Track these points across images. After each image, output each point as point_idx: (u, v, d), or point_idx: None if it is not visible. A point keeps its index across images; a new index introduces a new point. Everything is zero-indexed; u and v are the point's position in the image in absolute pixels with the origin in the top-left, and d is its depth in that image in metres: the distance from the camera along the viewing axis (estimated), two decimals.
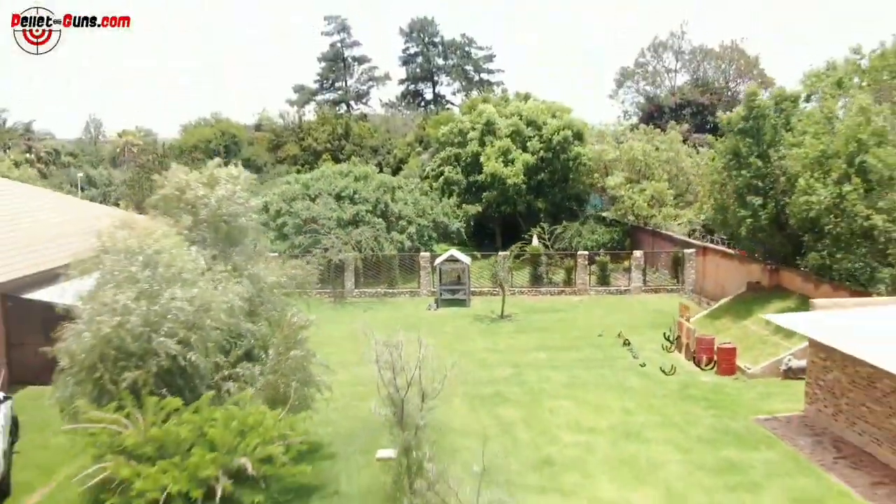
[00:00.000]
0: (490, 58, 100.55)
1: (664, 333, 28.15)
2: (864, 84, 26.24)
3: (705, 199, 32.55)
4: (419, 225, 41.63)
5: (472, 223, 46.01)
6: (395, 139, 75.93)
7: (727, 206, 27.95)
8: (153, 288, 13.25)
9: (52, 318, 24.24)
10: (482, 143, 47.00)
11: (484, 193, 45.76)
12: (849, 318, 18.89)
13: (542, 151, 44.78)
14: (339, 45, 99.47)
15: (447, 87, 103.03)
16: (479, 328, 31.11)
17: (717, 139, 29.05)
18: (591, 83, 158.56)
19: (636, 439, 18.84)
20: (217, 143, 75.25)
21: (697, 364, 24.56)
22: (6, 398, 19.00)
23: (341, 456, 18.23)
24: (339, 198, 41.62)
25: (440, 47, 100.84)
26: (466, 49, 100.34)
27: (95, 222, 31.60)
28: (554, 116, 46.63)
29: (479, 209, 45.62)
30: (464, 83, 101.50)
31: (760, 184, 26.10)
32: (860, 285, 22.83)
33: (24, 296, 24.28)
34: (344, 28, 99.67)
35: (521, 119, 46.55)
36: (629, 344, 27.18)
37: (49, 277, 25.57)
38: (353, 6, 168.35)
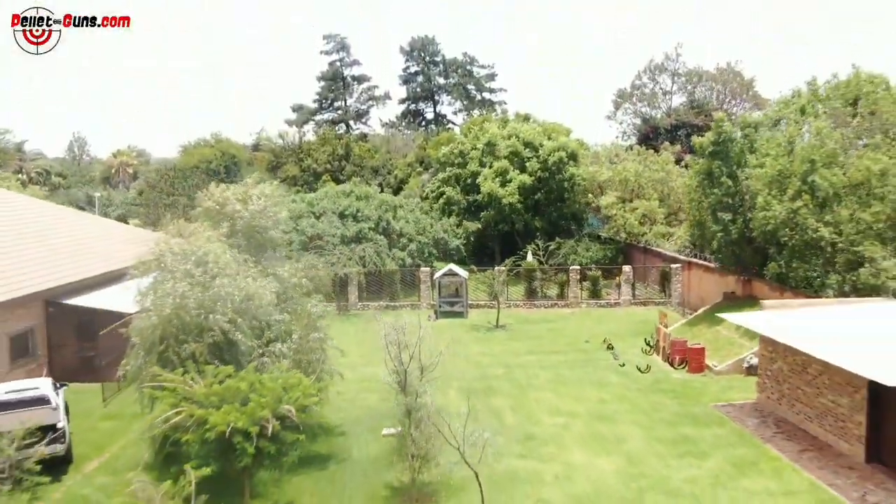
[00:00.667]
0: (492, 76, 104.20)
1: (645, 339, 32.39)
2: (822, 111, 30.71)
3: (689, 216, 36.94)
4: (419, 242, 46.03)
5: (472, 241, 50.49)
6: (395, 160, 79.66)
7: (704, 221, 32.36)
8: (205, 280, 17.49)
9: (85, 323, 28.95)
10: (481, 164, 51.63)
11: (482, 213, 50.36)
12: (792, 317, 23.08)
13: (538, 172, 49.32)
14: (338, 64, 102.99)
15: (448, 107, 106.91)
16: (475, 336, 35.33)
17: (694, 161, 33.56)
18: (593, 102, 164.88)
19: (607, 421, 22.99)
20: (218, 164, 79.85)
21: (671, 363, 28.75)
22: (62, 385, 23.24)
23: (351, 434, 22.45)
24: (342, 216, 46.05)
25: (441, 66, 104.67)
26: (468, 68, 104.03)
27: (119, 236, 36.02)
28: (549, 138, 51.24)
29: (479, 227, 50.12)
30: (465, 102, 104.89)
31: (730, 201, 30.52)
32: (814, 291, 27.06)
33: (64, 301, 28.66)
34: (343, 47, 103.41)
35: (518, 140, 51.20)
36: (612, 348, 31.40)
37: (84, 286, 30.02)
38: (352, 25, 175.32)
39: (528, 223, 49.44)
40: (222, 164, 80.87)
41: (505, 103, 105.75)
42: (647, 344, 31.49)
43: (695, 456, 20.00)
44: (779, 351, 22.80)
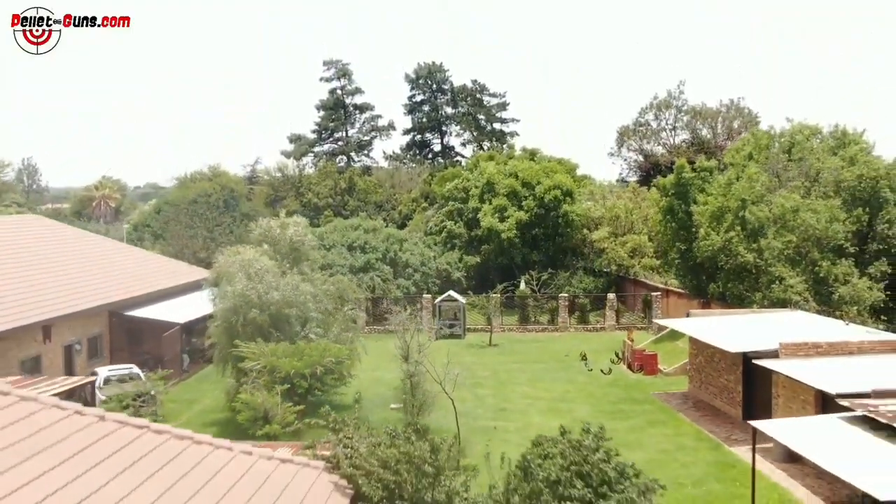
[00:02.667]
0: (503, 106, 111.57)
1: (615, 352, 44.31)
2: (764, 158, 42.84)
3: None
4: (423, 273, 58.33)
5: (473, 274, 62.70)
6: (399, 195, 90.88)
7: (668, 251, 44.47)
8: (258, 276, 29.82)
9: (137, 331, 41.16)
10: (482, 200, 64.05)
11: (483, 246, 62.66)
12: (709, 322, 35.00)
13: (534, 209, 61.61)
14: (339, 91, 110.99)
15: (456, 138, 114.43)
16: (469, 351, 47.33)
17: (659, 199, 45.86)
18: (604, 135, 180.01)
19: (566, 402, 34.87)
20: (217, 197, 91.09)
21: (630, 368, 40.66)
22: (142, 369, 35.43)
23: (366, 409, 34.29)
24: (350, 248, 58.45)
25: (449, 94, 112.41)
26: (478, 96, 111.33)
27: (155, 263, 48.54)
28: (547, 175, 63.65)
29: (479, 260, 62.39)
30: (475, 133, 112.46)
31: (685, 233, 42.68)
32: (746, 306, 38.91)
33: (123, 313, 40.90)
34: (345, 73, 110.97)
35: (517, 179, 63.68)
36: (586, 358, 43.25)
37: (136, 302, 42.26)
38: (355, 50, 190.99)
39: (526, 257, 61.50)
40: (221, 197, 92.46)
41: (517, 134, 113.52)
42: (617, 356, 43.32)
43: (622, 419, 31.83)
44: (699, 346, 34.74)
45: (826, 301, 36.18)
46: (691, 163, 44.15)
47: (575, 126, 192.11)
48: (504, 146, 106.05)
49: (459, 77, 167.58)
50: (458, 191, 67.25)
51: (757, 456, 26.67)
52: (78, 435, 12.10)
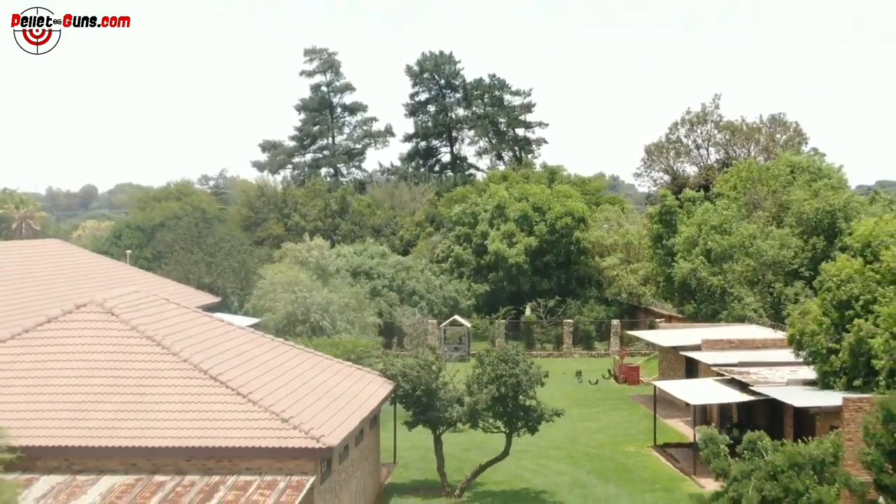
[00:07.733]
0: (528, 107, 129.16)
1: (608, 368, 71.06)
2: (741, 189, 69.33)
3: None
4: (429, 300, 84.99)
5: (482, 303, 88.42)
6: (401, 217, 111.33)
7: (657, 275, 71.50)
8: (297, 291, 57.11)
9: None
10: (491, 225, 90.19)
11: (490, 274, 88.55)
12: (671, 333, 61.77)
13: (545, 235, 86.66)
14: (324, 88, 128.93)
15: (470, 146, 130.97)
16: None
17: (649, 226, 72.84)
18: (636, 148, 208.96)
19: (550, 399, 61.93)
20: (189, 221, 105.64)
21: (616, 380, 67.57)
22: None
23: None
24: (355, 274, 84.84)
25: (461, 91, 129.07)
26: (497, 94, 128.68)
27: (170, 287, 77.17)
28: (559, 201, 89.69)
29: (488, 289, 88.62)
30: (493, 140, 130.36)
31: (669, 259, 69.56)
32: (714, 323, 65.38)
33: None
34: (331, 66, 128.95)
35: (527, 203, 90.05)
36: (580, 374, 69.88)
37: None
38: (342, 37, 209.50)
39: (536, 285, 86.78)
40: (193, 221, 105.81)
41: (544, 142, 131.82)
42: (609, 371, 69.74)
43: (591, 407, 57.90)
44: (665, 352, 61.63)
45: (779, 318, 62.92)
46: (676, 193, 71.49)
47: (610, 133, 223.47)
48: (529, 157, 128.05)
49: (474, 70, 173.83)
50: (466, 215, 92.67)
51: (680, 422, 53.88)
52: (255, 339, 39.50)
